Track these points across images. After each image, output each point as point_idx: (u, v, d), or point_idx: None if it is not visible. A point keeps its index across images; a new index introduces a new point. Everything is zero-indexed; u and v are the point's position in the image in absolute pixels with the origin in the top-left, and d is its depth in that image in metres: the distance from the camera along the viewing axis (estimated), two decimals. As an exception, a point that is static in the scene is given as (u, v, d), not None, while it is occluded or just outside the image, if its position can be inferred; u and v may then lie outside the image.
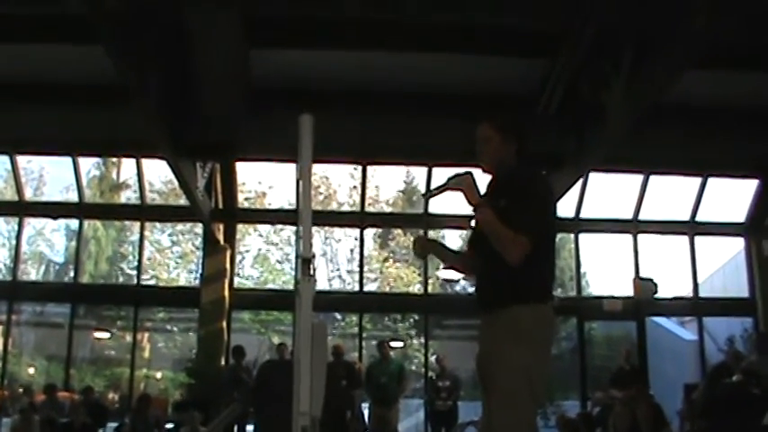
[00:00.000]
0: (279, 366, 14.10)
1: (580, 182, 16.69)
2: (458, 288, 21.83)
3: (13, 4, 11.61)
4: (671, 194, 19.64)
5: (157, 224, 22.69)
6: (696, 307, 19.04)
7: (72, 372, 18.41)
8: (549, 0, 10.80)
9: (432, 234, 19.55)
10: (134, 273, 20.08)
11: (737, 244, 19.65)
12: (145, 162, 18.19)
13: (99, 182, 23.19)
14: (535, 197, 4.55)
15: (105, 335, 20.81)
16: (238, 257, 20.49)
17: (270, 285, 23.38)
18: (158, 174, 21.20)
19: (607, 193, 19.74)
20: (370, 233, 22.36)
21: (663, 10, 10.01)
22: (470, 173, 4.56)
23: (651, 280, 18.26)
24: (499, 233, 4.42)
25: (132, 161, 18.70)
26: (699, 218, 18.72)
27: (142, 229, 19.66)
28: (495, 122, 4.77)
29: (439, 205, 18.38)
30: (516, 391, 4.31)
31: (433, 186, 4.88)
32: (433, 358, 17.63)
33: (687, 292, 19.15)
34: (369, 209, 20.34)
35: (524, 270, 4.40)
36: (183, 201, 16.82)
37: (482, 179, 4.69)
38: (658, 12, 10.12)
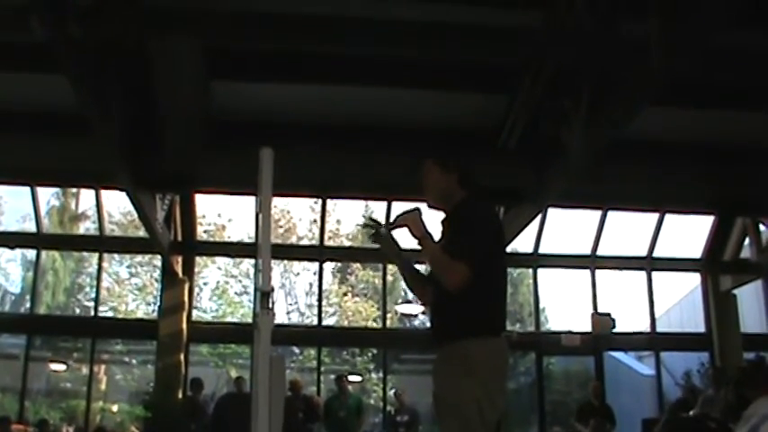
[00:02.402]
0: (237, 400, 14.06)
1: (539, 217, 16.78)
2: (416, 322, 21.83)
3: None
4: (629, 230, 19.83)
5: (116, 256, 22.56)
6: (653, 342, 19.16)
7: (27, 404, 18.15)
8: (507, 36, 10.88)
9: (390, 268, 19.61)
10: (91, 304, 19.90)
11: (694, 279, 19.83)
12: (104, 193, 18.08)
13: (58, 212, 23.02)
14: (475, 226, 4.64)
15: (61, 367, 20.56)
16: (197, 290, 20.43)
17: (228, 318, 23.27)
18: (118, 205, 21.13)
19: (565, 228, 19.85)
20: (329, 267, 22.36)
21: (620, 48, 10.12)
22: (417, 209, 4.66)
23: (609, 315, 18.34)
24: (439, 261, 4.53)
25: (91, 192, 18.60)
26: (656, 253, 18.87)
27: (100, 260, 19.49)
28: (433, 157, 4.91)
29: (398, 240, 18.39)
30: (468, 425, 4.34)
31: (382, 226, 4.94)
32: (391, 393, 17.61)
33: (644, 327, 19.28)
34: (328, 243, 20.35)
35: (474, 303, 4.46)
36: (141, 232, 16.73)
37: (433, 216, 4.78)
38: (616, 50, 10.23)
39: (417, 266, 5.13)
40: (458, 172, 4.82)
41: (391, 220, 4.85)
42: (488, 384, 4.43)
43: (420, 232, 4.58)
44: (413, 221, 4.62)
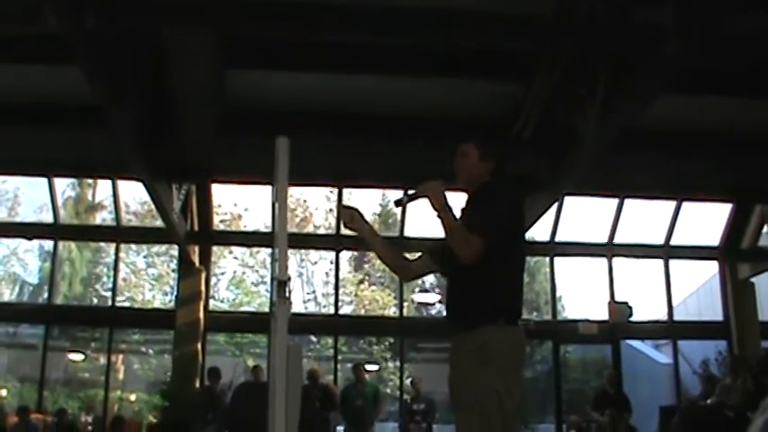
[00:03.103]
0: (254, 389, 14.06)
1: (555, 206, 16.74)
2: (433, 311, 21.83)
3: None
4: (646, 218, 19.74)
5: (133, 246, 22.60)
6: (671, 330, 19.11)
7: (45, 394, 18.24)
8: (523, 25, 10.85)
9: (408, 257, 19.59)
10: (109, 294, 19.98)
11: (712, 267, 19.75)
12: (121, 183, 18.09)
13: (74, 203, 23.09)
14: (497, 207, 4.63)
15: (79, 356, 20.64)
16: (214, 279, 20.43)
17: (245, 308, 23.33)
18: (134, 195, 21.13)
19: (582, 216, 19.79)
20: (345, 256, 22.35)
21: (636, 36, 10.09)
22: (440, 181, 4.63)
23: (626, 303, 18.30)
24: (455, 231, 4.51)
25: (108, 182, 18.62)
26: (673, 242, 18.81)
27: (117, 250, 19.54)
28: (475, 141, 4.90)
29: (415, 229, 18.40)
30: (486, 415, 4.32)
31: (405, 195, 4.93)
32: (408, 381, 17.61)
33: (662, 315, 19.23)
34: (344, 231, 20.32)
35: (492, 290, 4.45)
36: (158, 222, 16.74)
37: (457, 198, 4.77)
38: (632, 38, 10.20)
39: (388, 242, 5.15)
40: (494, 162, 4.85)
41: (414, 191, 4.81)
42: (507, 374, 4.43)
43: (440, 204, 4.54)
44: (433, 193, 4.58)
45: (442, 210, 4.55)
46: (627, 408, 15.28)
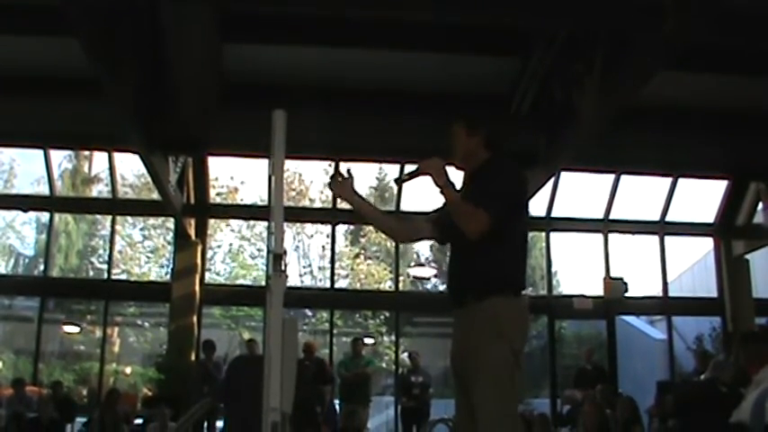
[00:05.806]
0: (249, 362, 14.08)
1: (551, 181, 16.74)
2: (428, 285, 21.87)
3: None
4: (642, 194, 19.75)
5: (129, 218, 22.62)
6: (665, 306, 19.14)
7: (40, 366, 18.27)
8: (522, 0, 10.82)
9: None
10: (105, 267, 19.99)
11: (707, 244, 19.78)
12: (117, 156, 18.04)
13: (71, 175, 23.06)
14: (502, 181, 4.62)
15: (75, 329, 20.65)
16: (210, 253, 20.45)
17: (241, 281, 23.35)
18: (131, 168, 21.12)
19: (578, 192, 19.82)
20: (341, 230, 22.37)
21: (635, 12, 10.07)
22: (441, 158, 4.58)
23: (621, 279, 18.32)
24: (460, 208, 4.48)
25: (104, 154, 18.58)
26: (669, 218, 18.81)
27: (113, 223, 19.54)
28: (460, 118, 4.85)
29: (411, 203, 18.42)
30: (501, 385, 4.34)
31: (405, 172, 4.88)
32: (404, 355, 17.66)
33: (657, 291, 19.24)
34: (341, 205, 20.34)
35: (501, 262, 4.46)
36: (155, 195, 16.72)
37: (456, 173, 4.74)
38: (630, 13, 10.18)
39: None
40: (483, 134, 4.78)
41: (414, 168, 4.77)
42: (517, 344, 4.45)
43: (442, 181, 4.47)
44: (436, 170, 4.49)
45: (446, 187, 4.49)
46: (605, 380, 15.30)
